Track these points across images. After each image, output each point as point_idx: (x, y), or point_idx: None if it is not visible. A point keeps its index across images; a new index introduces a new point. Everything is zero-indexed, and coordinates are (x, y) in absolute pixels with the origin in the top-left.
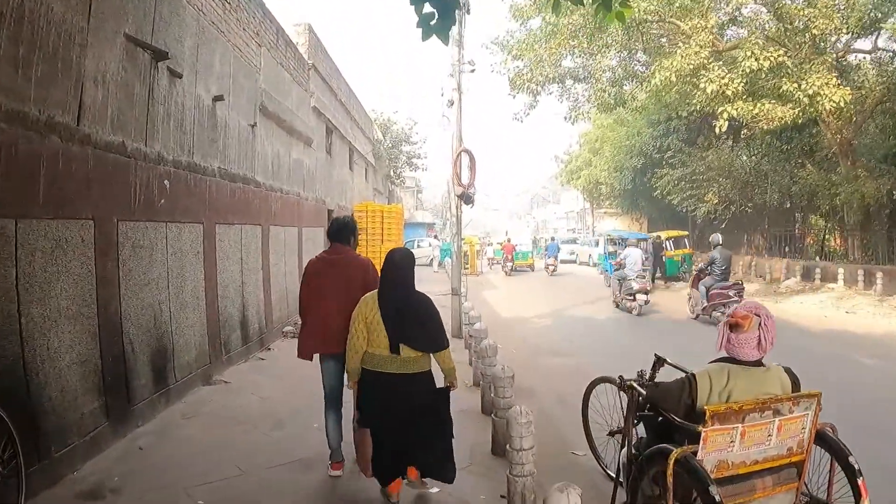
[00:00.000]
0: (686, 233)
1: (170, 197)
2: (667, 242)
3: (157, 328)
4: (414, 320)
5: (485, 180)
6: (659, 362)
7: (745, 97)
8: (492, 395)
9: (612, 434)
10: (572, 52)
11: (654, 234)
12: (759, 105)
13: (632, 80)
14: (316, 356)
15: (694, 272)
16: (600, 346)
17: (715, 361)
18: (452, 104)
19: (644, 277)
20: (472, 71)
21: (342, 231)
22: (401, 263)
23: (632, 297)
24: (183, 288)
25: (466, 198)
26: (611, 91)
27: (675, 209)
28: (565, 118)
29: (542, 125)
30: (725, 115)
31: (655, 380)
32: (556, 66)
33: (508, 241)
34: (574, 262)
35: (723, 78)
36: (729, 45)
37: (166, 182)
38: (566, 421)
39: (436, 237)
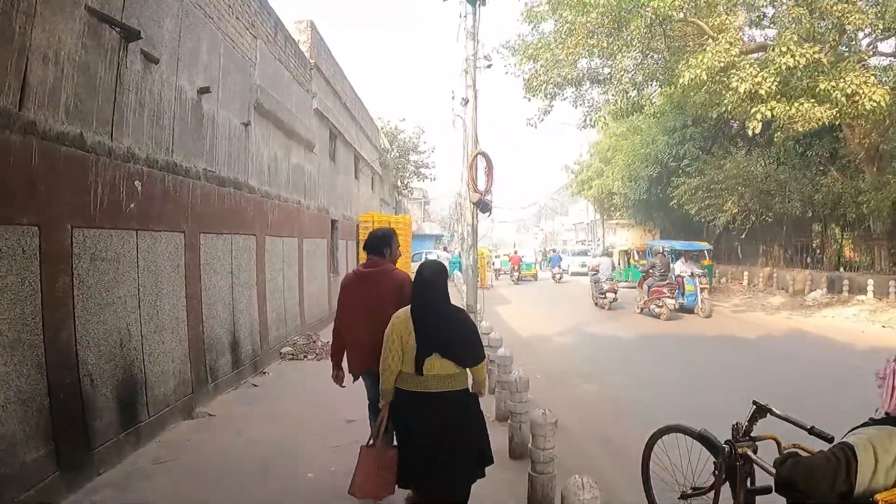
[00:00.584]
0: (708, 245)
1: (142, 201)
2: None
3: (125, 356)
4: (452, 335)
5: (493, 191)
6: (760, 412)
7: (777, 97)
8: (529, 444)
9: (685, 497)
10: (591, 51)
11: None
12: (795, 105)
13: (652, 82)
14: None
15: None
16: (629, 368)
17: (872, 424)
18: (467, 103)
19: (612, 280)
20: (489, 66)
21: (377, 242)
22: (433, 277)
23: (603, 296)
24: (158, 308)
25: (483, 205)
26: (633, 93)
27: (691, 220)
28: (579, 126)
29: (550, 136)
30: (759, 116)
31: (752, 433)
32: (573, 66)
33: (515, 253)
34: (586, 274)
35: (755, 76)
36: (753, 45)
37: (137, 183)
38: (613, 468)
39: (444, 249)
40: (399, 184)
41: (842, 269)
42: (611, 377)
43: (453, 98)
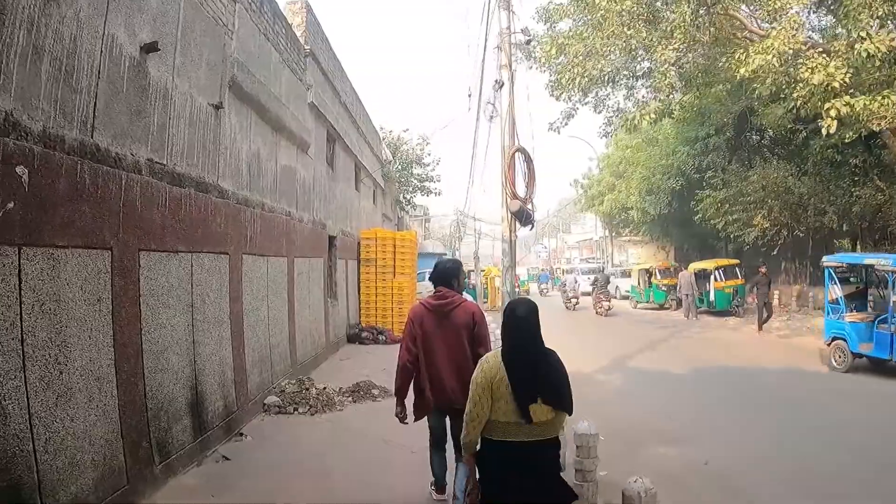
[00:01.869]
0: (737, 261)
1: (33, 200)
2: (716, 272)
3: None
4: (549, 379)
5: (491, 209)
6: None
7: (849, 91)
8: None
9: None
10: (628, 41)
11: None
12: (879, 99)
13: (686, 84)
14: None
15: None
16: (706, 420)
17: None
18: (501, 87)
19: (576, 289)
20: (528, 42)
21: (447, 274)
22: (527, 317)
23: (569, 301)
24: (62, 364)
25: (524, 216)
26: (678, 87)
27: (709, 236)
28: (601, 134)
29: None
30: (834, 113)
31: None
32: (608, 59)
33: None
34: None
35: (826, 66)
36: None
37: (22, 171)
38: None
39: None
40: (402, 199)
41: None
42: (691, 435)
43: (469, 96)
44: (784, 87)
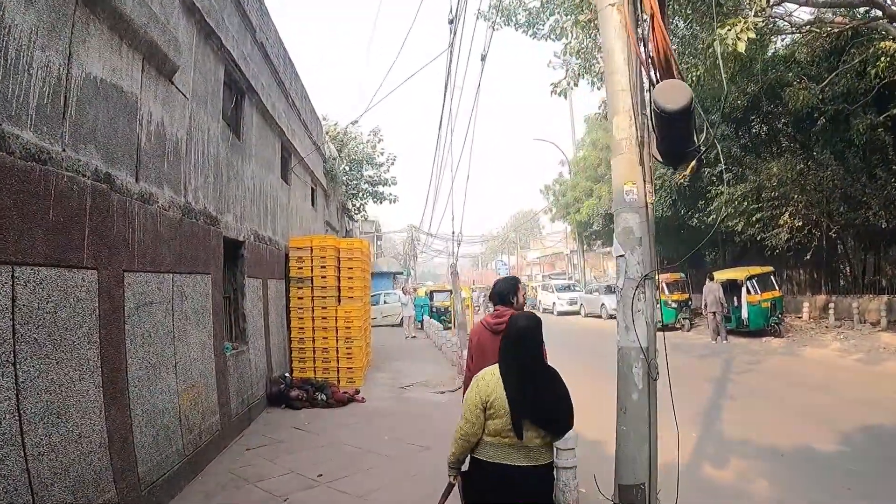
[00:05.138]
0: (770, 269)
1: None
2: (748, 283)
3: None
4: (550, 400)
5: (442, 227)
6: None
7: None
8: None
9: None
10: None
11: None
12: None
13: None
14: None
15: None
16: None
17: None
18: None
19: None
20: None
21: (502, 292)
22: (527, 332)
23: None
24: None
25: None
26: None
27: (709, 244)
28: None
29: (505, 173)
30: None
31: None
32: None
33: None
34: (578, 313)
35: None
36: None
37: None
38: None
39: (403, 290)
40: (351, 206)
41: None
42: None
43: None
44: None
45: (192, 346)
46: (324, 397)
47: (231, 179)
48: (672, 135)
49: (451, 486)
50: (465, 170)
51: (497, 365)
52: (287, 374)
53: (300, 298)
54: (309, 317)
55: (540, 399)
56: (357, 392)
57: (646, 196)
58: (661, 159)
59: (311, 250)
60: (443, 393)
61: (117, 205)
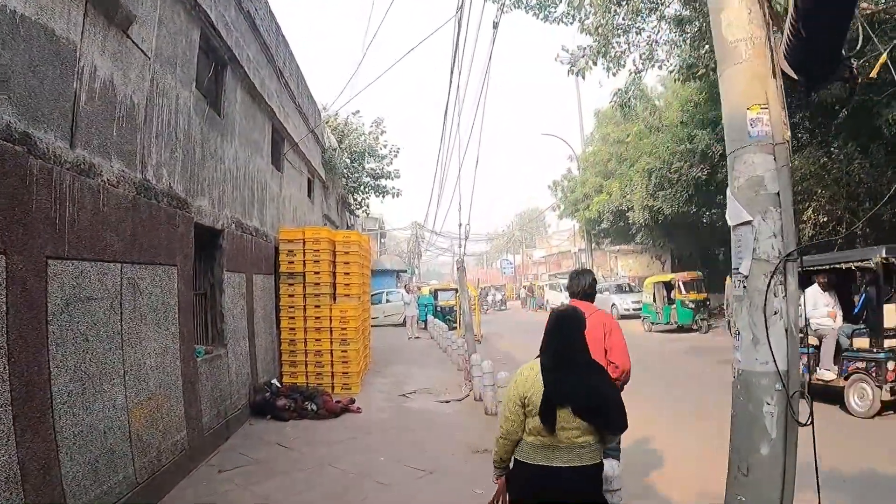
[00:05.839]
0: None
1: None
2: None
3: None
4: (596, 396)
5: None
6: None
7: None
8: None
9: None
10: None
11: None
12: None
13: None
14: None
15: None
16: None
17: None
18: None
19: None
20: None
21: (588, 291)
22: (572, 326)
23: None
24: None
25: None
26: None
27: (709, 243)
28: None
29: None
30: None
31: None
32: None
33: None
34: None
35: None
36: None
37: None
38: None
39: (406, 288)
40: (352, 200)
41: None
42: None
43: None
44: None
45: (150, 351)
46: (314, 407)
47: (207, 159)
48: (818, 31)
49: (501, 488)
50: (474, 155)
51: (538, 359)
52: (274, 381)
53: (291, 296)
54: (301, 316)
55: (586, 388)
56: (352, 401)
57: (783, 127)
58: (794, 74)
59: (304, 243)
60: (448, 402)
61: (39, 173)
